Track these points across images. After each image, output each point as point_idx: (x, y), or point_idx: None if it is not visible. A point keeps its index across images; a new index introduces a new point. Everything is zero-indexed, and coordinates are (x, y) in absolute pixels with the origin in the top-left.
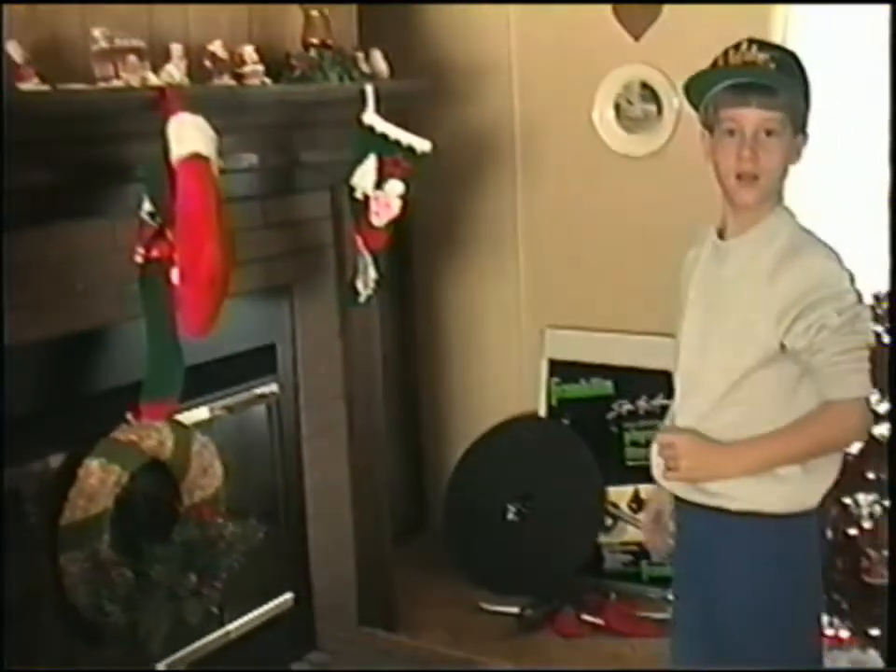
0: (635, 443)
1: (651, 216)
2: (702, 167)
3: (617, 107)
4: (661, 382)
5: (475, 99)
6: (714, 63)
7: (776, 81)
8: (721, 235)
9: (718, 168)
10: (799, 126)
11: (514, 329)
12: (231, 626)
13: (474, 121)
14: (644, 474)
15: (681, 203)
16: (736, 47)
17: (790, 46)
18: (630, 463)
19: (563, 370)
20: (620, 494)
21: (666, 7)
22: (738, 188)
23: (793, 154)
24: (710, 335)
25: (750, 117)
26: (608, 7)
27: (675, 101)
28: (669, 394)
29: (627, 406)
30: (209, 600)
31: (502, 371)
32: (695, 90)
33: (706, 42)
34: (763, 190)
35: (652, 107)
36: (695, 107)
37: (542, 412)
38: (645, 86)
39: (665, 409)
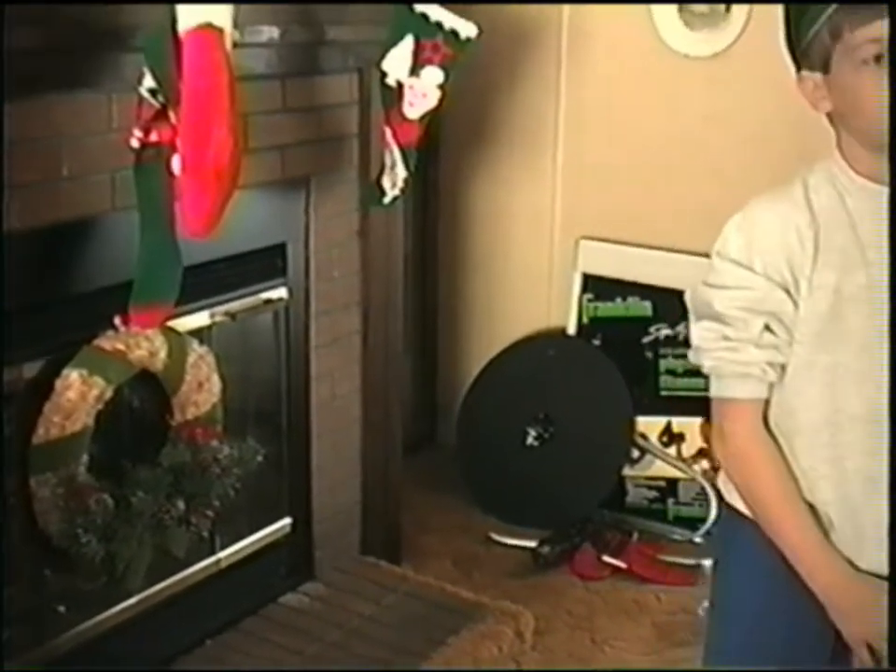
0: (670, 372)
1: (709, 125)
2: (771, 75)
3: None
4: None
5: None
6: None
7: None
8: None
9: (861, 110)
10: None
11: (546, 237)
12: (221, 554)
13: (518, 5)
14: (678, 405)
15: (744, 114)
16: None
17: None
18: (664, 393)
19: (597, 286)
20: (650, 424)
21: None
22: None
23: None
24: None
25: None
26: None
27: None
28: None
29: (666, 331)
30: (198, 529)
31: (530, 283)
32: (800, 24)
33: None
34: None
35: (721, 4)
36: (795, 43)
37: (572, 329)
38: None
39: None
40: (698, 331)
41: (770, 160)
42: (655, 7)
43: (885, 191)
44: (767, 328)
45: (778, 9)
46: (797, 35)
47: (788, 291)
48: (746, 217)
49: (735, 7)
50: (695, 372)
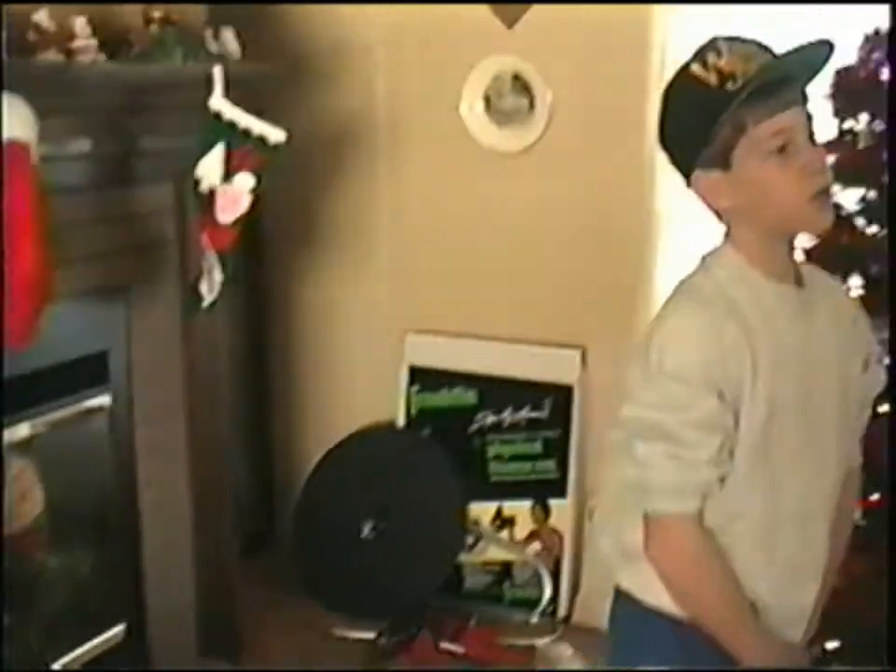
0: (498, 457)
1: (522, 215)
2: (576, 165)
3: (487, 100)
4: (527, 393)
5: (336, 85)
6: (698, 80)
7: (812, 63)
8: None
9: (770, 202)
10: None
11: (374, 333)
12: (55, 666)
13: (335, 109)
14: (507, 490)
15: (553, 203)
16: (710, 51)
17: (671, 46)
18: (493, 478)
19: (424, 377)
20: (482, 510)
21: None
22: (816, 210)
23: None
24: (821, 424)
25: (800, 120)
26: None
27: (548, 94)
28: (535, 405)
29: (491, 418)
30: (28, 641)
31: (360, 377)
32: (696, 121)
33: (582, 31)
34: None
35: (524, 101)
36: (683, 144)
37: (401, 422)
38: (517, 78)
39: (531, 422)
40: (646, 452)
41: (580, 248)
42: (464, 105)
43: (792, 291)
44: (718, 445)
45: (579, 105)
46: (686, 135)
47: (729, 403)
48: (677, 330)
49: (539, 104)
50: (522, 457)
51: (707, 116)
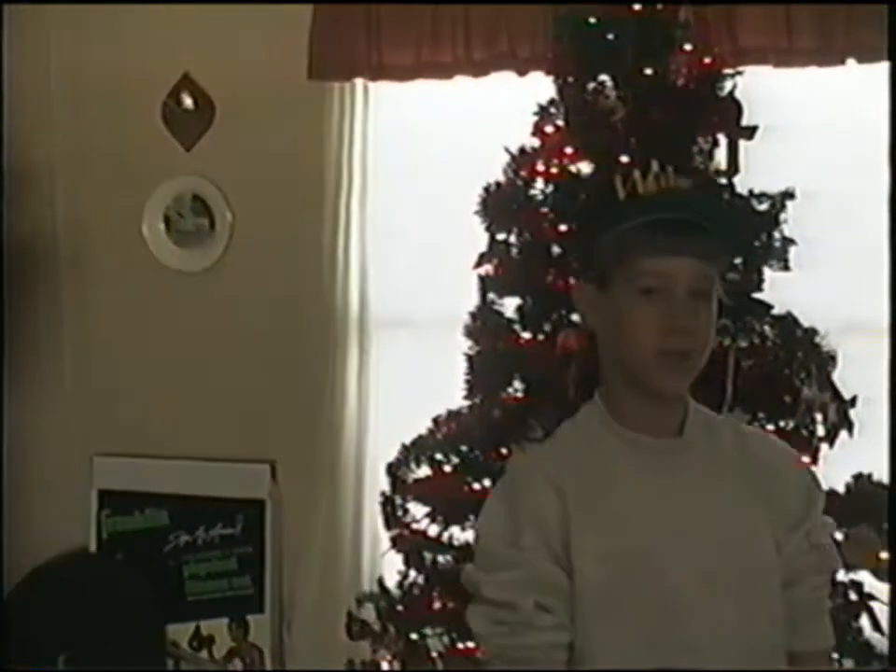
0: (194, 577)
1: (207, 334)
2: (259, 284)
3: (167, 220)
4: (219, 510)
5: (13, 207)
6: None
7: (718, 218)
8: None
9: (624, 338)
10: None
11: (60, 457)
12: None
13: (13, 232)
14: (205, 608)
15: (237, 320)
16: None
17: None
18: (190, 598)
19: (114, 500)
20: (179, 631)
21: (219, 117)
22: (661, 368)
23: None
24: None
25: (683, 271)
26: (157, 114)
27: (228, 214)
28: (228, 522)
29: (185, 537)
30: None
31: (49, 504)
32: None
33: (260, 153)
34: (693, 374)
35: (205, 221)
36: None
37: (93, 547)
38: (197, 198)
39: (224, 539)
40: (472, 616)
41: (265, 363)
42: (145, 227)
43: (657, 442)
44: (542, 607)
45: (260, 224)
46: (581, 238)
47: (559, 561)
48: (508, 485)
49: (218, 225)
50: (218, 575)
51: (595, 228)
